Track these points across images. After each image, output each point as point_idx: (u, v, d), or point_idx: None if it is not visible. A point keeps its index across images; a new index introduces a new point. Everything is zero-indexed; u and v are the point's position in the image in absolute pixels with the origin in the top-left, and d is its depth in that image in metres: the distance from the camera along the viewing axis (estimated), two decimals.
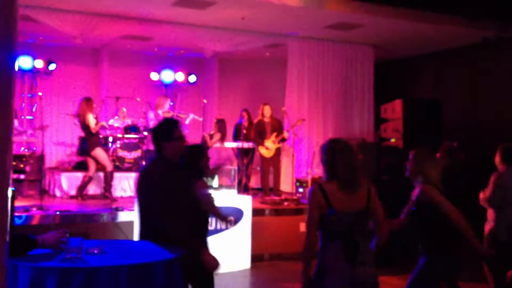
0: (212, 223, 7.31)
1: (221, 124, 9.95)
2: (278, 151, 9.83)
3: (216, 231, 7.29)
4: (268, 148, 9.64)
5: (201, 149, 4.81)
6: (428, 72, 11.91)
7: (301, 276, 3.48)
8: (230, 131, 10.99)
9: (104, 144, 10.47)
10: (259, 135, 9.74)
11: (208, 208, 4.47)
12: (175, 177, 3.77)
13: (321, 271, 3.41)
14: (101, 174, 9.28)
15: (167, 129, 3.83)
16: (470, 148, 9.80)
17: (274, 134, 9.65)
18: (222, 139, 10.01)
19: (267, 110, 9.78)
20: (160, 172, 3.74)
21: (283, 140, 9.78)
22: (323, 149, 3.55)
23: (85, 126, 8.78)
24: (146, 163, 3.76)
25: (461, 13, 9.46)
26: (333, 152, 3.47)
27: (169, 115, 9.12)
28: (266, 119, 9.79)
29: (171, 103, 12.12)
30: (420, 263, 4.20)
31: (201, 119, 9.89)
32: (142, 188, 3.78)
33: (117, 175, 9.79)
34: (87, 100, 8.92)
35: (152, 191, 3.69)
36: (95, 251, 3.60)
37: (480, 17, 9.58)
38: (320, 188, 3.42)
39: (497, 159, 5.53)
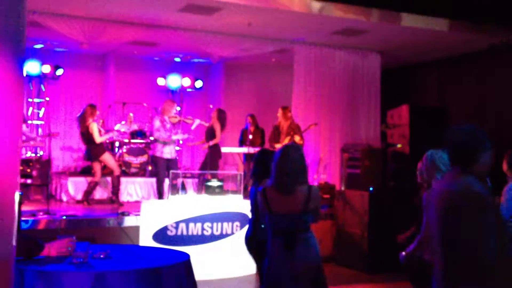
0: (218, 227, 7.31)
1: (222, 115, 9.60)
2: None
3: (221, 236, 7.29)
4: None
5: (272, 153, 4.94)
6: (434, 78, 11.89)
7: None
8: (236, 136, 10.99)
9: (111, 149, 10.52)
10: (274, 138, 9.54)
11: None
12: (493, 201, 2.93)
13: (268, 263, 3.78)
14: (109, 179, 9.31)
15: (484, 137, 2.98)
16: None
17: (288, 138, 9.37)
18: (222, 127, 9.52)
19: (280, 114, 9.55)
20: (482, 195, 2.80)
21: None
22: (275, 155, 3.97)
23: (88, 135, 8.79)
24: (448, 181, 2.94)
25: (468, 20, 9.45)
26: (276, 158, 3.85)
27: (176, 120, 9.12)
28: (283, 123, 9.55)
29: (178, 108, 12.14)
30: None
31: (207, 125, 9.87)
32: (455, 217, 2.83)
33: (123, 180, 9.82)
34: (92, 108, 8.93)
35: (476, 223, 2.77)
36: (101, 256, 3.61)
37: (487, 23, 9.56)
38: (262, 192, 3.81)
39: (505, 166, 5.46)
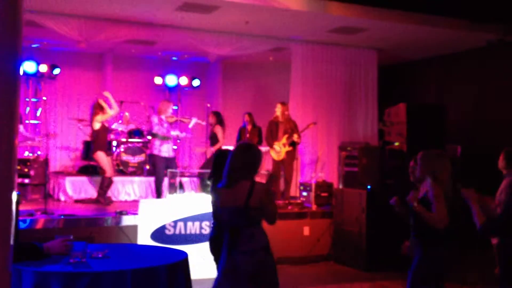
0: None
1: (220, 117, 9.89)
2: (290, 155, 9.36)
3: None
4: (276, 150, 9.34)
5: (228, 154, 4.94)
6: (432, 76, 11.90)
7: None
8: (234, 134, 11.00)
9: (108, 148, 10.51)
10: (271, 135, 9.43)
11: None
12: None
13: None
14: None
15: None
16: (473, 152, 9.79)
17: (286, 136, 9.29)
18: (223, 130, 9.94)
19: (277, 109, 9.43)
20: None
21: (293, 143, 9.31)
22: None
23: (92, 130, 8.88)
24: None
25: (465, 17, 9.46)
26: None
27: (172, 119, 9.12)
28: (280, 119, 9.42)
29: (174, 108, 12.13)
30: (416, 259, 4.18)
31: (204, 123, 9.88)
32: None
33: (121, 179, 9.82)
34: (96, 104, 8.98)
35: None
36: (99, 255, 3.60)
37: (484, 20, 9.57)
38: (214, 187, 4.03)
39: (501, 163, 5.47)
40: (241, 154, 3.92)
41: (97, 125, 8.76)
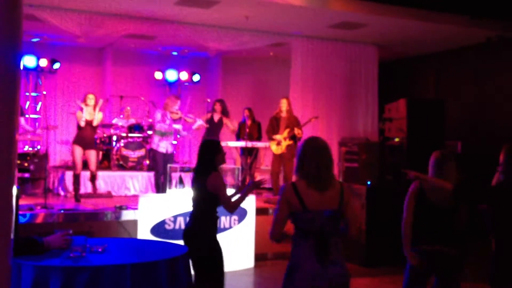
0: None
1: (226, 106, 9.98)
2: (290, 150, 9.29)
3: (219, 230, 7.27)
4: (278, 144, 9.35)
5: (215, 144, 4.79)
6: (431, 72, 11.90)
7: None
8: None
9: (108, 143, 10.53)
10: (272, 130, 9.47)
11: None
12: None
13: (292, 269, 3.30)
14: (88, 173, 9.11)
15: None
16: (473, 148, 9.79)
17: (287, 130, 9.31)
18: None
19: (283, 104, 9.47)
20: None
21: (294, 137, 9.30)
22: (298, 147, 3.48)
23: None
24: None
25: (465, 13, 9.45)
26: (304, 150, 3.38)
27: (176, 116, 9.08)
28: (282, 114, 9.47)
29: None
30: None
31: (207, 125, 9.83)
32: None
33: (120, 174, 9.84)
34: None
35: None
36: (99, 250, 3.61)
37: (484, 17, 9.57)
38: (293, 186, 3.32)
39: (502, 158, 5.49)
40: (327, 151, 3.39)
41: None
